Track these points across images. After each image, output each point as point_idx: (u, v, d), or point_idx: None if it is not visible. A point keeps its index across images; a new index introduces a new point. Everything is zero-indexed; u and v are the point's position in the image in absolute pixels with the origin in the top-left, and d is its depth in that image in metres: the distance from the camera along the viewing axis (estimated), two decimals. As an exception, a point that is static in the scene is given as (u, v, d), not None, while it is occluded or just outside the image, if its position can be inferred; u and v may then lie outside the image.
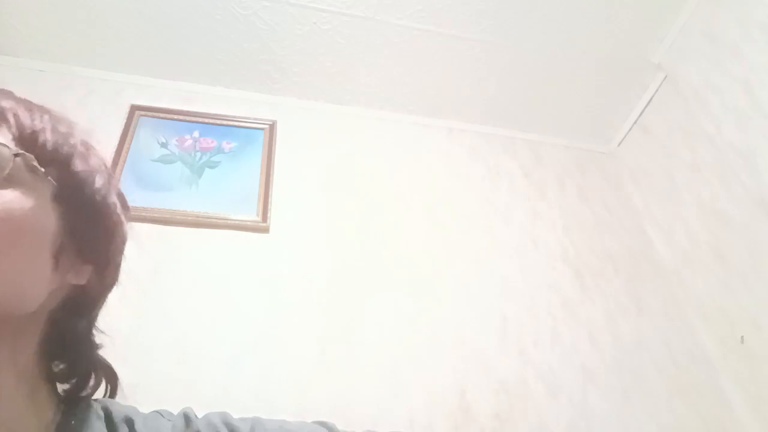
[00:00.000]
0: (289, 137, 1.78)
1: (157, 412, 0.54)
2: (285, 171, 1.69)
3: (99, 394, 0.53)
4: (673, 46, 1.86)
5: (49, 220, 0.43)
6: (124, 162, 1.55)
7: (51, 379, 0.48)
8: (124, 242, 0.53)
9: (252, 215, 1.54)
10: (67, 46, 1.68)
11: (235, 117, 1.76)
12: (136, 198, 1.49)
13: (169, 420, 0.54)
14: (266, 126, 1.76)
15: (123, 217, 0.52)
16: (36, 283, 0.42)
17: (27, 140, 0.43)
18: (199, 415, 0.56)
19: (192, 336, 1.30)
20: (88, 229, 0.47)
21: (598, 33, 1.84)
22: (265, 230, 1.54)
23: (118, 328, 1.26)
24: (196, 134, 1.69)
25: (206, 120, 1.72)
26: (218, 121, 1.73)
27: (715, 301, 1.64)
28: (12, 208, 0.39)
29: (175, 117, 1.70)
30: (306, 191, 1.67)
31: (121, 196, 0.53)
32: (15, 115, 0.43)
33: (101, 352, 0.53)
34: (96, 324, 0.52)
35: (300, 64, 1.80)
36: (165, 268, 1.40)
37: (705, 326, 1.66)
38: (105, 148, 1.66)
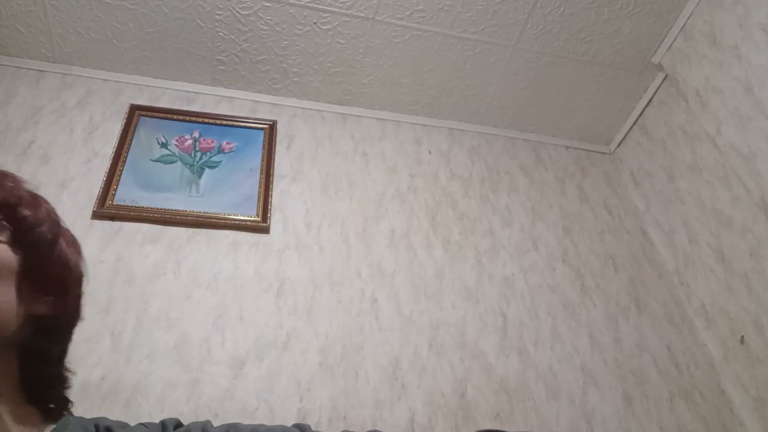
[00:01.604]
0: (289, 137, 1.78)
1: (141, 424, 0.59)
2: (285, 171, 1.69)
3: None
4: (673, 47, 1.86)
5: (9, 260, 0.50)
6: (124, 162, 1.55)
7: (36, 403, 0.54)
8: (79, 276, 0.60)
9: (252, 215, 1.54)
10: (67, 46, 1.68)
11: (235, 117, 1.76)
12: (136, 198, 1.49)
13: (147, 428, 0.58)
14: (266, 126, 1.76)
15: (74, 255, 0.59)
16: (4, 312, 0.49)
17: None
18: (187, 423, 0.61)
19: (193, 337, 1.30)
20: (43, 266, 0.54)
21: (598, 33, 1.84)
22: (265, 230, 1.53)
23: (119, 330, 1.26)
24: (196, 134, 1.68)
25: (206, 120, 1.72)
26: (218, 121, 1.73)
27: (715, 302, 1.64)
28: None
29: (175, 117, 1.70)
30: (306, 191, 1.66)
31: (73, 241, 0.60)
32: None
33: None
34: (66, 360, 0.59)
35: (300, 64, 1.80)
36: (165, 268, 1.39)
37: (706, 327, 1.66)
38: (105, 147, 1.66)
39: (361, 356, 1.38)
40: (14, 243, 0.51)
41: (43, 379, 0.54)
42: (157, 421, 0.58)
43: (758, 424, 1.46)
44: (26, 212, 0.53)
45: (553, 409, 1.42)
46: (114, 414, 1.10)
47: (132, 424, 0.58)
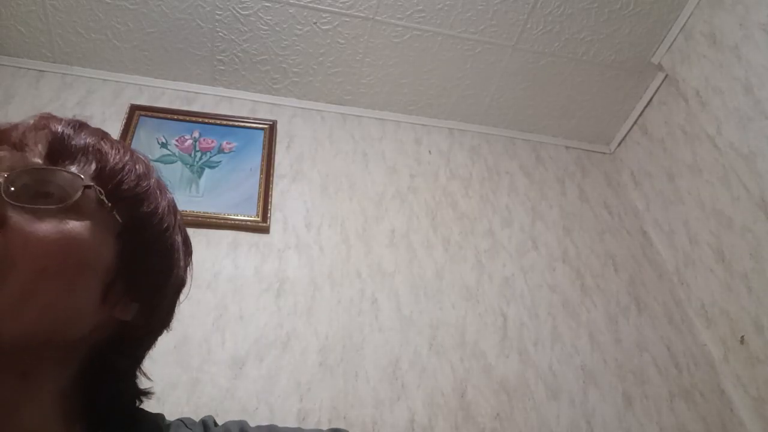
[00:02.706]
0: (289, 137, 1.78)
1: (180, 420, 0.55)
2: (285, 171, 1.69)
3: None
4: (673, 47, 1.86)
5: (106, 254, 0.44)
6: (124, 162, 1.55)
7: (90, 410, 0.48)
8: (178, 287, 0.54)
9: (252, 215, 1.54)
10: (67, 46, 1.68)
11: (235, 117, 1.76)
12: (136, 198, 1.48)
13: (189, 428, 0.54)
14: (266, 126, 1.76)
15: (182, 263, 0.53)
16: (81, 311, 0.43)
17: (105, 176, 0.45)
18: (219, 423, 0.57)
19: (193, 337, 1.30)
20: (142, 269, 0.47)
21: (598, 33, 1.84)
22: (265, 230, 1.53)
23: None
24: (196, 134, 1.68)
25: (206, 120, 1.72)
26: (218, 121, 1.73)
27: (715, 302, 1.64)
28: (70, 235, 0.41)
29: (175, 117, 1.70)
30: (306, 191, 1.66)
31: (186, 242, 0.54)
32: (98, 152, 0.46)
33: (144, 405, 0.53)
34: (141, 368, 0.53)
35: (300, 64, 1.80)
36: (165, 268, 1.39)
37: (706, 327, 1.66)
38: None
39: (361, 356, 1.38)
40: (120, 236, 0.45)
41: (99, 394, 0.47)
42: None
43: (758, 424, 1.46)
44: (147, 209, 0.48)
45: (553, 409, 1.42)
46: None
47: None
